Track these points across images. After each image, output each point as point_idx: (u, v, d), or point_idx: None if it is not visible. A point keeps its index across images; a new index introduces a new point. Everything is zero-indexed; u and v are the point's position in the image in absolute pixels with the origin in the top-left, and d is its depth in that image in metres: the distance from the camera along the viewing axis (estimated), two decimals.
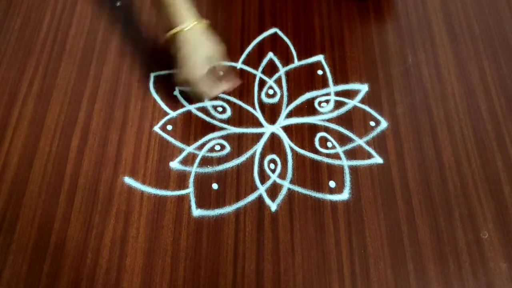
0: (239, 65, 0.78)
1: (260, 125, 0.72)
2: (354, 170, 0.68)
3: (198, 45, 0.64)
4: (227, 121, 0.72)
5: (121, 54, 0.78)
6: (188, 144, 0.70)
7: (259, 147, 0.70)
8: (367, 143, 0.71)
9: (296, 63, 0.78)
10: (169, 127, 0.72)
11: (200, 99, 0.67)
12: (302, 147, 0.70)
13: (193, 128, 0.72)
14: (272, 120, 0.73)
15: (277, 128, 0.72)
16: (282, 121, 0.73)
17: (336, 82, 0.76)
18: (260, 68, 0.77)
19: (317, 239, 0.63)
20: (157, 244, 0.62)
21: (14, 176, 0.67)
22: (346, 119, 0.73)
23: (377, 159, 0.69)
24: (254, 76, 0.77)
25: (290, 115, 0.73)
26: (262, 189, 0.67)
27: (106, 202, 0.65)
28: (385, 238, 0.63)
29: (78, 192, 0.66)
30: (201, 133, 0.71)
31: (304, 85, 0.76)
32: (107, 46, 0.79)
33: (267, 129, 0.72)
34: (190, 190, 0.66)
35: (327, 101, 0.75)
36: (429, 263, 0.62)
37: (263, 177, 0.68)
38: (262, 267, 0.61)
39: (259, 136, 0.71)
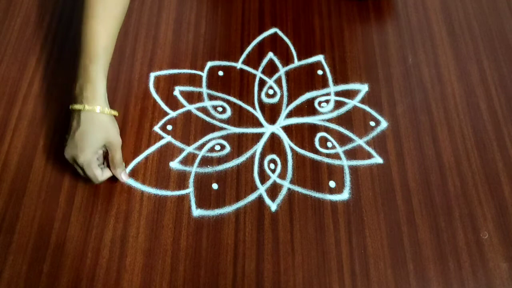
0: (239, 65, 0.78)
1: (260, 125, 0.72)
2: (354, 170, 0.68)
3: (100, 130, 0.62)
4: (227, 121, 0.73)
5: (121, 54, 0.78)
6: (188, 144, 0.70)
7: (259, 147, 0.70)
8: (367, 143, 0.71)
9: (296, 63, 0.78)
10: (169, 127, 0.72)
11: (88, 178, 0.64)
12: (302, 147, 0.70)
13: (193, 128, 0.72)
14: (272, 120, 0.73)
15: (277, 128, 0.72)
16: (282, 121, 0.73)
17: (336, 82, 0.76)
18: (260, 68, 0.77)
19: (317, 239, 0.63)
20: (157, 244, 0.62)
21: (14, 176, 0.67)
22: (346, 119, 0.73)
23: (377, 159, 0.69)
24: (254, 76, 0.77)
25: (290, 115, 0.73)
26: (262, 189, 0.67)
27: (106, 202, 0.65)
28: (385, 238, 0.63)
29: (78, 192, 0.66)
30: (201, 133, 0.71)
31: (304, 85, 0.76)
32: None
33: (267, 129, 0.72)
34: (190, 190, 0.66)
35: (327, 101, 0.75)
36: (429, 263, 0.62)
37: (263, 177, 0.68)
38: (262, 267, 0.61)
39: (259, 136, 0.71)
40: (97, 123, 0.62)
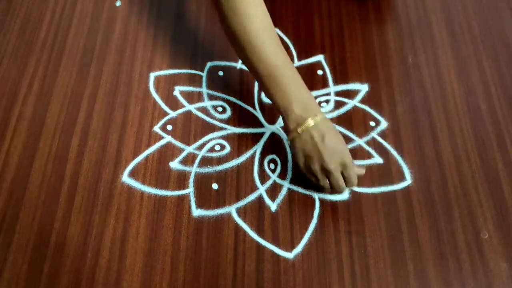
0: (239, 65, 0.78)
1: (260, 125, 0.72)
2: None
3: (335, 130, 0.61)
4: (227, 121, 0.72)
5: (121, 54, 0.78)
6: (188, 144, 0.70)
7: (259, 147, 0.70)
8: (367, 143, 0.71)
9: (296, 63, 0.78)
10: (169, 127, 0.72)
11: (347, 185, 0.62)
12: None
13: (193, 128, 0.72)
14: (272, 120, 0.73)
15: (277, 128, 0.72)
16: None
17: (336, 82, 0.76)
18: None
19: (317, 239, 0.63)
20: (157, 244, 0.62)
21: (14, 176, 0.67)
22: (346, 119, 0.73)
23: (377, 159, 0.69)
24: None
25: None
26: (262, 189, 0.67)
27: (106, 202, 0.65)
28: (385, 238, 0.63)
29: (78, 192, 0.66)
30: (201, 133, 0.71)
31: None
32: (107, 46, 0.79)
33: (267, 129, 0.72)
34: (190, 190, 0.66)
35: (327, 101, 0.75)
36: (429, 263, 0.62)
37: (263, 177, 0.68)
38: (262, 267, 0.61)
39: (259, 136, 0.71)
40: (331, 125, 0.61)
